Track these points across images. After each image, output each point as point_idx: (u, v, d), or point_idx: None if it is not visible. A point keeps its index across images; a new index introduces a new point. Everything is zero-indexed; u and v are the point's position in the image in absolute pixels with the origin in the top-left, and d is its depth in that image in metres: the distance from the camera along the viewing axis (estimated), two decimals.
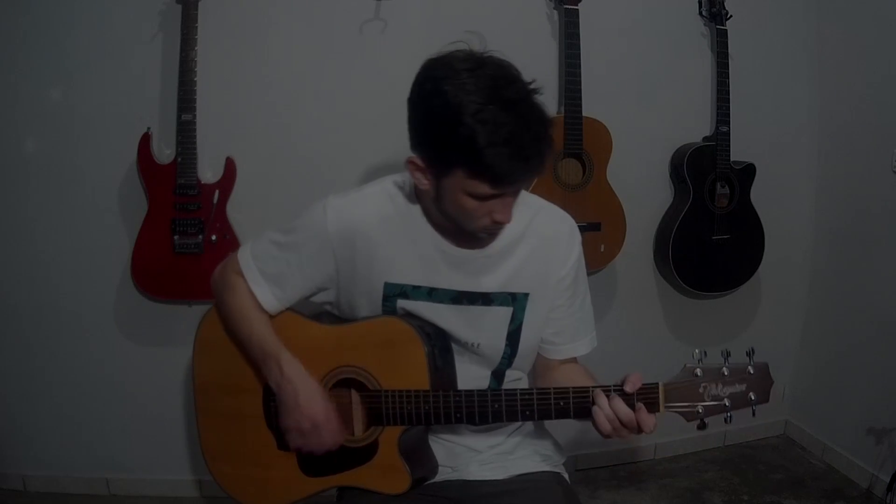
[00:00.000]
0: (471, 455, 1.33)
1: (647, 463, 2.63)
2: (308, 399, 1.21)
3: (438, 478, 1.31)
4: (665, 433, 2.61)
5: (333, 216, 1.24)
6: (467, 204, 1.11)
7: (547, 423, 1.46)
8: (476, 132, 1.01)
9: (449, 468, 1.32)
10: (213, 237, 2.05)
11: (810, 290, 2.71)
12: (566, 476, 1.38)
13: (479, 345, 1.27)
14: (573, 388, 1.15)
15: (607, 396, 1.12)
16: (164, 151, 2.10)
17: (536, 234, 1.27)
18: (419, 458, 1.28)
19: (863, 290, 2.45)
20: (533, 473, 1.32)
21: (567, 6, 2.14)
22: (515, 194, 1.13)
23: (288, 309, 1.31)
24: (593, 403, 1.13)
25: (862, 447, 2.39)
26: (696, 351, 1.11)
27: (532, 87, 1.07)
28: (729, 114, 2.32)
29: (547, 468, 1.35)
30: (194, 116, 2.00)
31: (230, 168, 2.08)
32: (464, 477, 1.31)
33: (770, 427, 2.78)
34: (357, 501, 1.28)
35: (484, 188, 1.07)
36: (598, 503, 2.37)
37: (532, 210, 1.28)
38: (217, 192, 2.06)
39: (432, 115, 1.07)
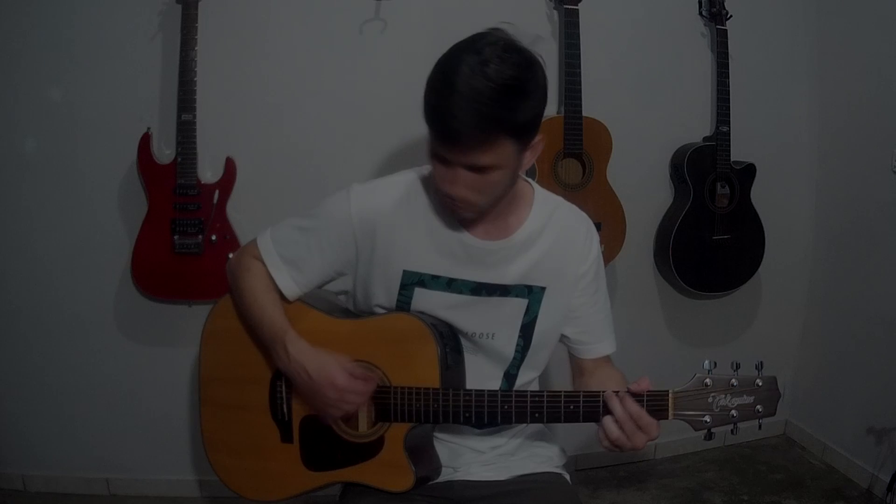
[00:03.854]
0: (473, 456, 1.33)
1: (647, 463, 2.63)
2: (318, 369, 1.20)
3: (440, 478, 1.31)
4: (665, 433, 2.58)
5: (357, 201, 1.25)
6: (435, 168, 1.14)
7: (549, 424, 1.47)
8: (430, 85, 1.07)
9: (451, 468, 1.32)
10: (213, 237, 2.05)
11: (810, 290, 2.71)
12: (567, 477, 1.38)
13: (493, 335, 1.28)
14: (584, 391, 1.15)
15: (620, 399, 1.12)
16: (164, 151, 2.10)
17: (556, 229, 1.28)
18: (424, 458, 1.28)
19: (863, 290, 2.45)
20: (534, 474, 1.33)
21: (567, 6, 2.14)
22: (465, 167, 1.10)
23: (301, 302, 1.31)
24: (604, 407, 1.13)
25: (862, 447, 2.39)
26: (707, 361, 1.12)
27: (527, 81, 1.07)
28: (729, 114, 2.33)
29: (548, 469, 1.36)
30: (194, 116, 2.00)
31: (230, 168, 2.08)
32: (466, 477, 1.31)
33: (770, 427, 2.78)
34: (360, 500, 1.28)
35: (436, 145, 1.10)
36: (599, 503, 2.38)
37: (552, 205, 1.30)
38: (217, 192, 2.06)
39: (430, 80, 1.12)
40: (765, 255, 2.48)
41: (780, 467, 2.58)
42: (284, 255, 1.28)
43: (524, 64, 1.07)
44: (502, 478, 1.31)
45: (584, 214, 1.35)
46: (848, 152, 2.50)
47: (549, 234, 1.27)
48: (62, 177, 2.14)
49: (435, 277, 1.25)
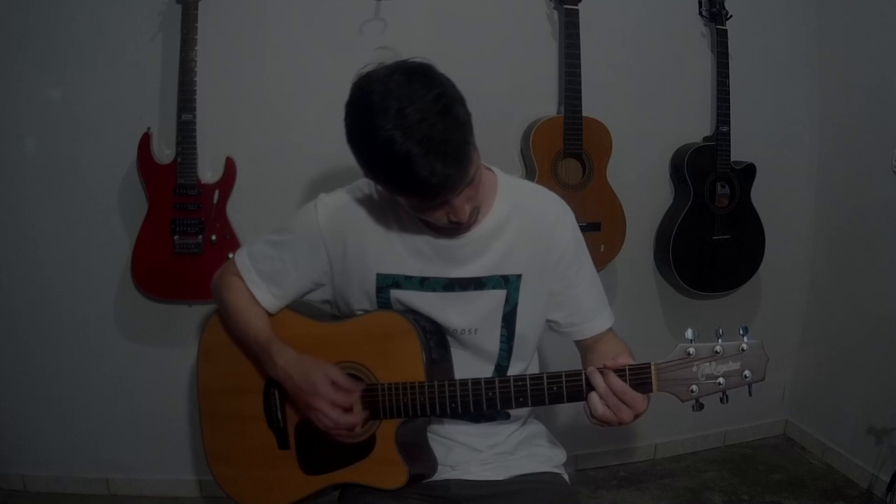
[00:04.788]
0: (471, 455, 1.33)
1: (647, 463, 2.63)
2: (304, 377, 1.22)
3: (438, 477, 1.31)
4: (665, 433, 2.61)
5: (324, 212, 1.27)
6: (418, 212, 1.15)
7: (547, 421, 1.46)
8: (388, 159, 1.03)
9: (449, 467, 1.32)
10: (213, 237, 2.05)
11: (810, 290, 2.71)
12: (566, 476, 1.38)
13: (476, 330, 1.28)
14: (566, 372, 1.15)
15: (602, 374, 1.11)
16: (164, 151, 2.10)
17: (523, 215, 1.27)
18: (417, 454, 1.28)
19: (863, 290, 2.45)
20: (533, 474, 1.32)
21: (567, 6, 2.14)
22: (460, 195, 1.11)
23: (287, 308, 1.33)
24: (587, 385, 1.12)
25: (862, 447, 2.39)
26: (689, 330, 1.09)
27: (441, 96, 1.04)
28: (729, 114, 2.33)
29: (547, 468, 1.35)
30: (194, 116, 2.00)
31: (230, 168, 2.08)
32: (464, 477, 1.31)
33: (770, 427, 2.79)
34: (357, 501, 1.28)
35: (415, 202, 1.11)
36: (598, 503, 2.38)
37: (517, 191, 1.29)
38: (217, 192, 2.06)
39: (356, 142, 1.09)
40: (765, 255, 2.48)
41: (780, 467, 2.58)
42: (261, 271, 1.30)
43: (424, 75, 1.06)
44: (500, 478, 1.31)
45: (554, 196, 1.33)
46: (848, 152, 2.50)
47: (516, 220, 1.26)
48: (62, 177, 2.14)
49: (408, 278, 1.26)
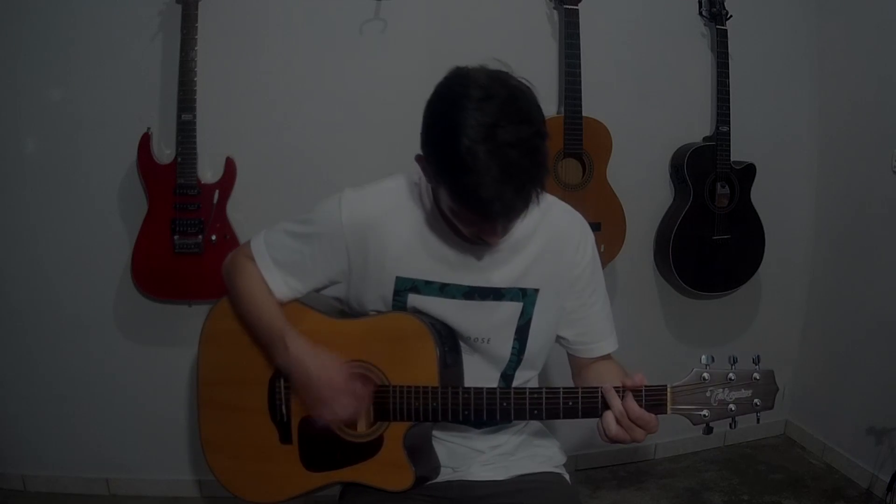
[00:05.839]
0: (472, 455, 1.33)
1: (647, 463, 2.63)
2: (320, 368, 1.21)
3: (440, 478, 1.31)
4: (665, 433, 2.60)
5: (348, 210, 1.24)
6: (456, 217, 1.13)
7: (548, 423, 1.46)
8: (462, 165, 1.00)
9: (450, 469, 1.32)
10: (213, 237, 2.05)
11: (810, 290, 2.71)
12: (567, 476, 1.38)
13: (489, 340, 1.27)
14: (582, 387, 1.16)
15: (620, 396, 1.12)
16: (164, 151, 2.10)
17: (548, 231, 1.27)
18: (423, 457, 1.28)
19: (863, 290, 2.45)
20: (534, 474, 1.32)
21: (567, 6, 2.14)
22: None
23: (298, 302, 1.31)
24: (602, 402, 1.13)
25: (862, 447, 2.39)
26: (704, 356, 1.13)
27: (537, 131, 1.03)
28: (729, 114, 2.33)
29: (548, 469, 1.35)
30: (194, 116, 2.00)
31: (230, 168, 2.08)
32: (465, 477, 1.31)
33: (770, 427, 2.79)
34: (359, 500, 1.28)
35: (461, 210, 1.09)
36: (599, 503, 2.38)
37: (544, 206, 1.27)
38: (217, 192, 2.06)
39: (433, 129, 1.07)
40: (765, 255, 2.48)
41: (780, 467, 2.58)
42: (277, 260, 1.28)
43: (527, 101, 1.04)
44: (501, 478, 1.31)
45: (578, 215, 1.33)
46: (848, 152, 2.50)
47: (541, 235, 1.26)
48: (62, 177, 2.14)
49: (428, 283, 1.24)
